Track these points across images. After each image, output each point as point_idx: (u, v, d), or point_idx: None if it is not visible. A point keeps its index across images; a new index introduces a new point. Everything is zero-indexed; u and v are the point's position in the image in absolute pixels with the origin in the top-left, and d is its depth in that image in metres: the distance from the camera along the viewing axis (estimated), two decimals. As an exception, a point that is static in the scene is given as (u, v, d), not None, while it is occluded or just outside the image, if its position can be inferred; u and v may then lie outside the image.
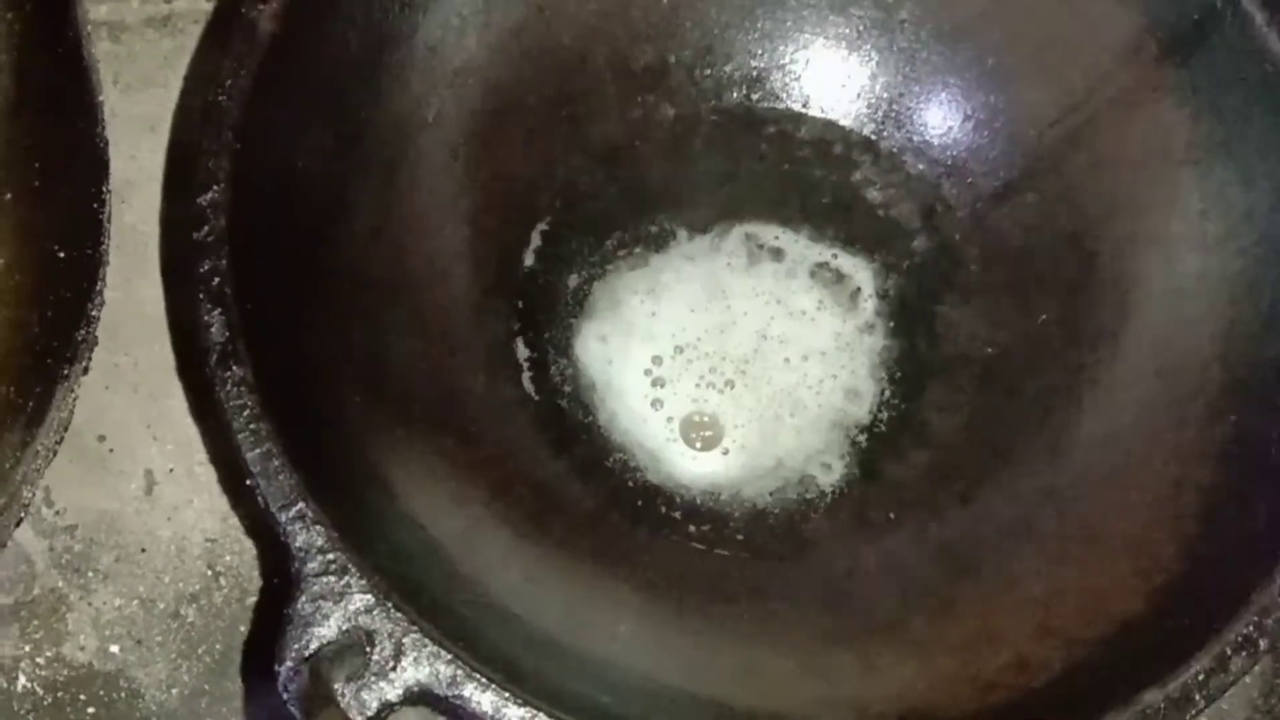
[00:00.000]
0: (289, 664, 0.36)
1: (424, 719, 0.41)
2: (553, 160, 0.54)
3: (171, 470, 0.53)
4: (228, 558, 0.52)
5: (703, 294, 0.54)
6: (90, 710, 0.50)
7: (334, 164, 0.46)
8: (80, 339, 0.41)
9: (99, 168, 0.43)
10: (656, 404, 0.52)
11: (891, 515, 0.50)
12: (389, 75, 0.48)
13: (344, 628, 0.36)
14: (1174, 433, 0.46)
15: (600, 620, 0.44)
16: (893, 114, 0.55)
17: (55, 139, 0.41)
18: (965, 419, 0.51)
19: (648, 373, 0.52)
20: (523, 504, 0.47)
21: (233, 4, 0.44)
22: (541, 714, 0.36)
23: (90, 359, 0.43)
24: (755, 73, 0.56)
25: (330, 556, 0.37)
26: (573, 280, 0.53)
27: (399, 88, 0.49)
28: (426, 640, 0.36)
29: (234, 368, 0.39)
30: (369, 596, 0.37)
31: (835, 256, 0.55)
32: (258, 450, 0.38)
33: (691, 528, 0.50)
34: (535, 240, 0.53)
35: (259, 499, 0.38)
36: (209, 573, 0.52)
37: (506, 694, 0.36)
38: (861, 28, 0.55)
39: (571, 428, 0.51)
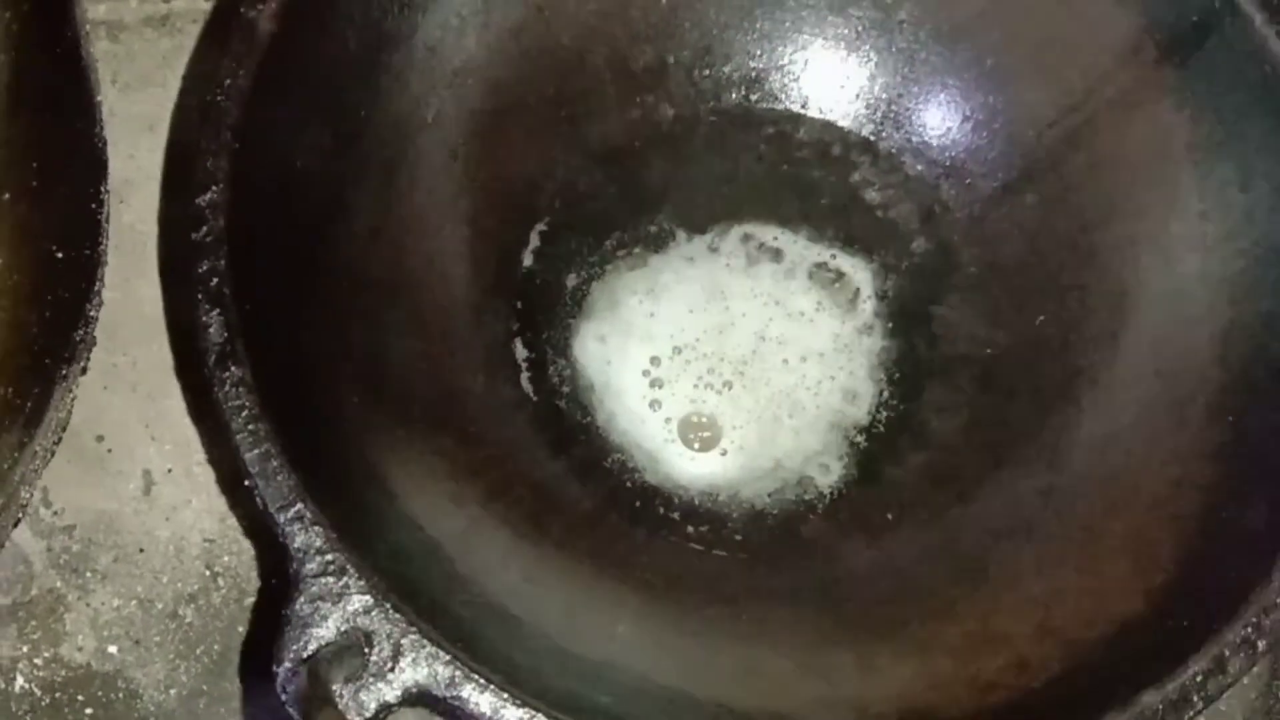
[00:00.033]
0: (287, 665, 0.36)
1: (422, 720, 0.41)
2: (552, 160, 0.54)
3: (170, 470, 0.53)
4: (226, 558, 0.52)
5: (701, 295, 0.54)
6: (88, 711, 0.50)
7: (333, 164, 0.46)
8: (78, 339, 0.41)
9: (97, 167, 0.43)
10: (655, 405, 0.52)
11: (890, 516, 0.50)
12: (388, 75, 0.48)
13: (342, 628, 0.36)
14: (1173, 433, 0.46)
15: (599, 621, 0.44)
16: (891, 115, 0.55)
17: (53, 138, 0.41)
18: (964, 420, 0.51)
19: (646, 373, 0.52)
20: (521, 504, 0.47)
21: (231, 3, 0.44)
22: (540, 715, 0.36)
23: (89, 359, 0.43)
24: (754, 73, 0.56)
25: (329, 557, 0.37)
26: (571, 280, 0.53)
27: (398, 87, 0.49)
28: (425, 641, 0.36)
29: (232, 368, 0.39)
30: (367, 597, 0.36)
31: (834, 257, 0.55)
32: (256, 451, 0.38)
33: (690, 528, 0.50)
34: (534, 240, 0.53)
35: (257, 499, 0.38)
36: (207, 573, 0.52)
37: (505, 695, 0.36)
38: (860, 28, 0.55)
39: (570, 428, 0.51)
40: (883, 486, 0.51)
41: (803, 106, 0.56)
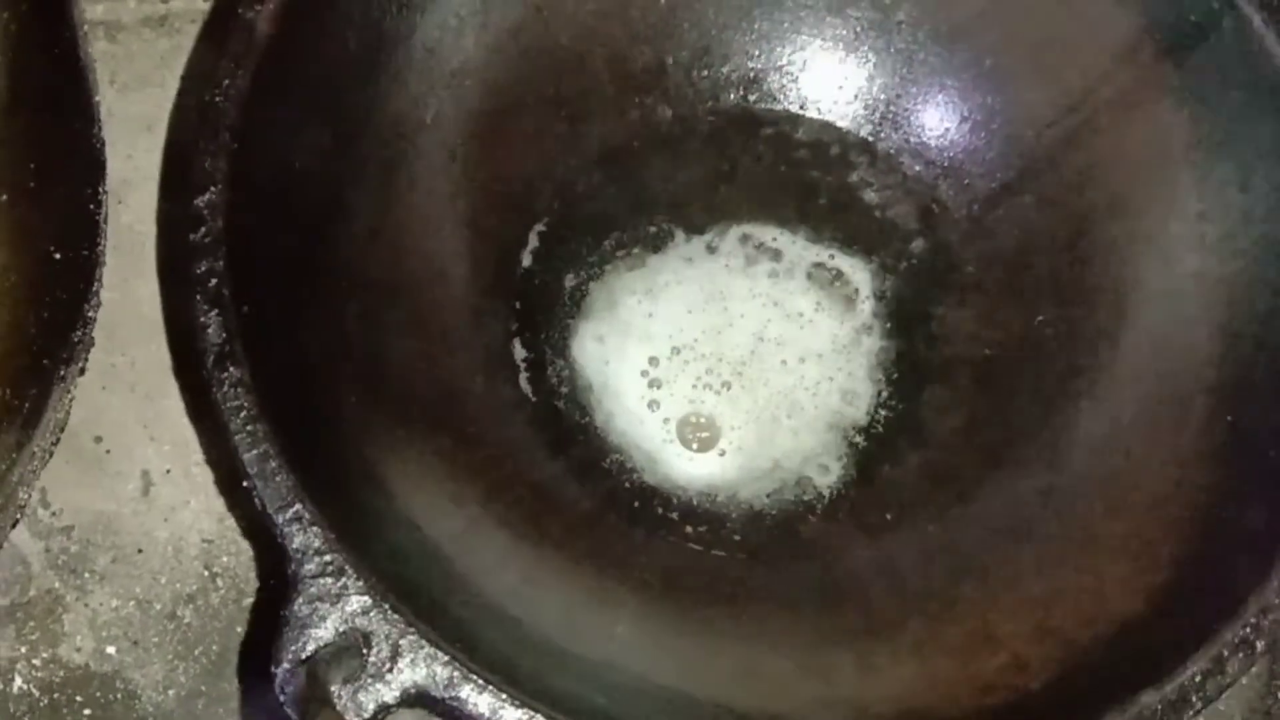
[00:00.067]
0: (286, 666, 0.36)
1: (421, 720, 0.41)
2: (551, 161, 0.54)
3: (168, 471, 0.53)
4: (225, 559, 0.52)
5: (700, 295, 0.54)
6: (86, 712, 0.50)
7: (331, 164, 0.46)
8: (77, 340, 0.41)
9: (95, 168, 0.43)
10: (653, 405, 0.52)
11: (889, 516, 0.50)
12: (387, 76, 0.48)
13: (341, 629, 0.36)
14: (1173, 433, 0.46)
15: (598, 621, 0.44)
16: (890, 115, 0.55)
17: (51, 139, 0.41)
18: (963, 420, 0.51)
19: (644, 374, 0.52)
20: (520, 505, 0.47)
21: (230, 4, 0.44)
22: (539, 715, 0.36)
23: (87, 360, 0.43)
24: (752, 74, 0.56)
25: (327, 558, 0.37)
26: (570, 281, 0.53)
27: (397, 88, 0.49)
28: (423, 642, 0.36)
29: (231, 369, 0.39)
30: (366, 598, 0.36)
31: (833, 257, 0.55)
32: (255, 451, 0.38)
33: (689, 529, 0.50)
34: (533, 241, 0.53)
35: (256, 500, 0.38)
36: (206, 574, 0.52)
37: (504, 695, 0.36)
38: (859, 29, 0.55)
39: (569, 429, 0.51)
40: (881, 487, 0.51)
41: (801, 107, 0.56)
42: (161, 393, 0.54)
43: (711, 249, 0.54)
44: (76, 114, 0.42)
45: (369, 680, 0.36)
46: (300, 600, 0.36)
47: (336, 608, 0.36)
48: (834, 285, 0.54)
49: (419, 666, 0.36)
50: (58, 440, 0.44)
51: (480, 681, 0.36)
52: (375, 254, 0.48)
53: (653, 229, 0.54)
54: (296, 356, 0.43)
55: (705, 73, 0.55)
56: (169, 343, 0.54)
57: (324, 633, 0.36)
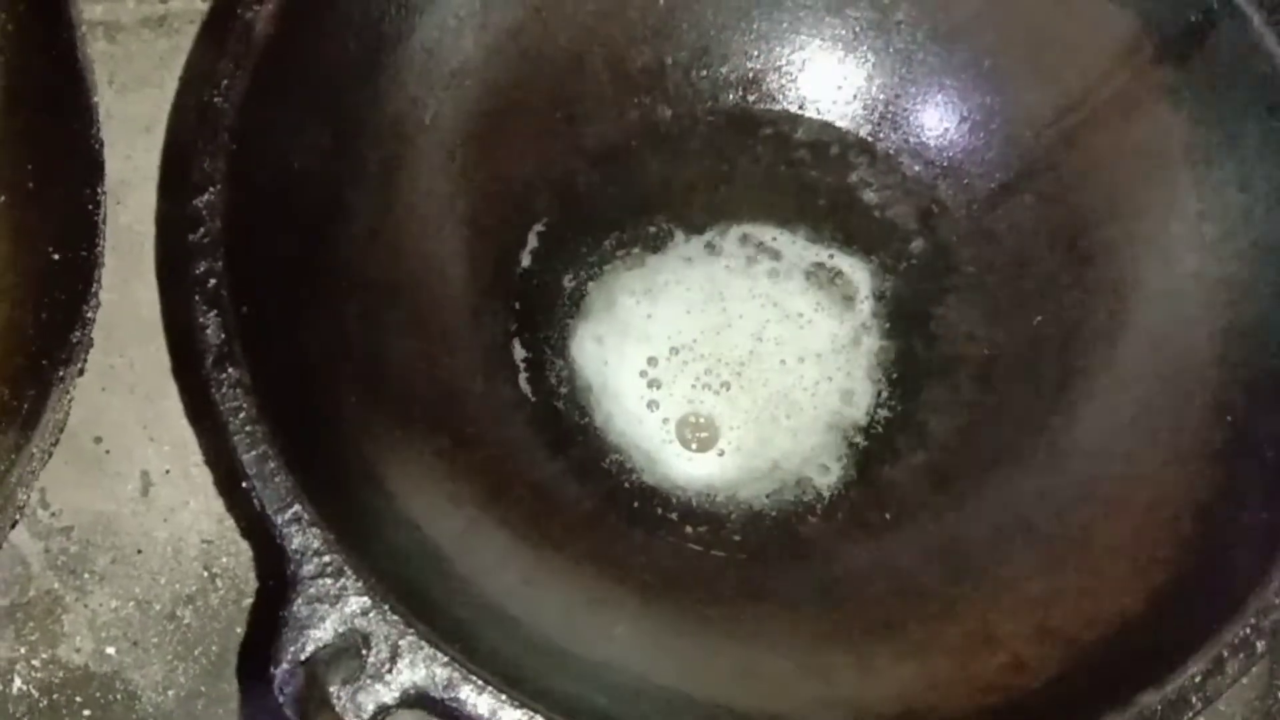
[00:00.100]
0: (285, 666, 0.36)
1: (420, 721, 0.41)
2: (550, 161, 0.54)
3: (168, 472, 0.53)
4: (224, 559, 0.52)
5: (699, 295, 0.54)
6: (86, 712, 0.50)
7: (331, 165, 0.46)
8: (76, 340, 0.41)
9: (94, 168, 0.43)
10: (652, 405, 0.52)
11: (889, 516, 0.50)
12: (386, 76, 0.48)
13: (340, 630, 0.36)
14: (1172, 433, 0.46)
15: (597, 621, 0.44)
16: (889, 115, 0.55)
17: (50, 139, 0.41)
18: (963, 420, 0.51)
19: (643, 374, 0.52)
20: (520, 505, 0.47)
21: (229, 4, 0.44)
22: (539, 716, 0.36)
23: (86, 360, 0.43)
24: (751, 74, 0.56)
25: (326, 559, 0.37)
26: (569, 281, 0.53)
27: (396, 89, 0.49)
28: (423, 642, 0.36)
29: (230, 369, 0.39)
30: (365, 599, 0.36)
31: (832, 257, 0.55)
32: (254, 452, 0.38)
33: (688, 529, 0.49)
34: (532, 241, 0.53)
35: (255, 501, 0.38)
36: (205, 574, 0.52)
37: (503, 696, 0.36)
38: (858, 29, 0.55)
39: (568, 429, 0.51)
40: (881, 487, 0.51)
41: (800, 107, 0.56)
42: (161, 393, 0.54)
43: (711, 249, 0.54)
44: (75, 114, 0.42)
45: (368, 681, 0.36)
46: (299, 601, 0.36)
47: (336, 608, 0.36)
48: (833, 285, 0.54)
49: (418, 667, 0.36)
50: (57, 441, 0.43)
51: (480, 682, 0.36)
52: (375, 254, 0.48)
53: (652, 229, 0.54)
54: (296, 357, 0.43)
55: (704, 73, 0.55)
56: (168, 343, 0.54)
57: (323, 633, 0.36)
